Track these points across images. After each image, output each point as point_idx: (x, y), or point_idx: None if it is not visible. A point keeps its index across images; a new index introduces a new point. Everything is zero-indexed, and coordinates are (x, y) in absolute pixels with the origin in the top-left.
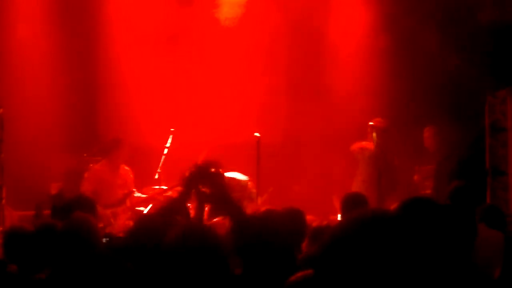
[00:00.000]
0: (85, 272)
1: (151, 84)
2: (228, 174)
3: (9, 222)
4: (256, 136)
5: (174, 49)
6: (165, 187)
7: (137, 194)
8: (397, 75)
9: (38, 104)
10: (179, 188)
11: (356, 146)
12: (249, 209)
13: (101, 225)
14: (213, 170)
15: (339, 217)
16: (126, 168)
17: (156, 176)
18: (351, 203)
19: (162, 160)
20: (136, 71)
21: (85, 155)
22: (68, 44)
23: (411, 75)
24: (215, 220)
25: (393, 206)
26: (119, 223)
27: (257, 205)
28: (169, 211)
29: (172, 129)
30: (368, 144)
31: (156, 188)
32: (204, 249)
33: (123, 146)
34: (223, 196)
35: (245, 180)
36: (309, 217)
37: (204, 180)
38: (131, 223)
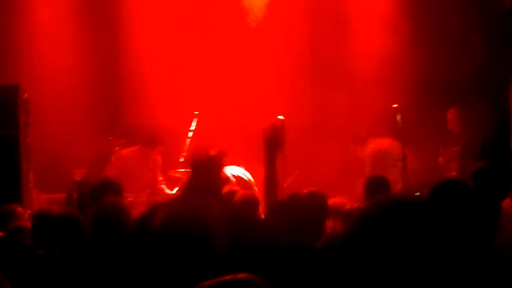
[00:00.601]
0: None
1: (174, 66)
2: (235, 172)
3: (37, 205)
4: (279, 119)
5: (200, 31)
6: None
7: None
8: (421, 58)
9: (62, 88)
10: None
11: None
12: None
13: None
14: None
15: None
16: (158, 158)
17: (182, 160)
18: (374, 186)
19: (187, 143)
20: (161, 54)
21: (110, 138)
22: (91, 27)
23: (435, 58)
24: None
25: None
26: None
27: None
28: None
29: (196, 112)
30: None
31: (182, 171)
32: (190, 234)
33: (160, 145)
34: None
35: (251, 181)
36: (340, 200)
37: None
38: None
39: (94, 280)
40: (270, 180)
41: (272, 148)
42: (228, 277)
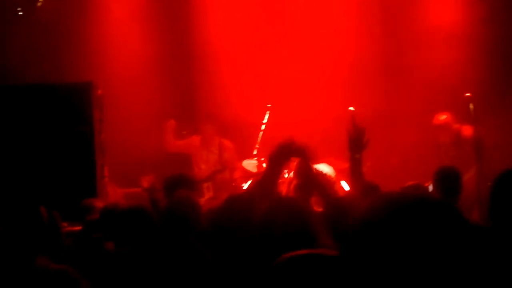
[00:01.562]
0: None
1: (247, 59)
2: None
3: (114, 200)
4: (350, 110)
5: (274, 23)
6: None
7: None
8: (494, 46)
9: (135, 84)
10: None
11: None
12: None
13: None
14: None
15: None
16: (227, 143)
17: (255, 152)
18: (442, 176)
19: (260, 136)
20: (234, 47)
21: (184, 132)
22: (164, 23)
23: (504, 50)
24: None
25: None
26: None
27: None
28: (258, 189)
29: (268, 105)
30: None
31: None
32: (294, 222)
33: (210, 120)
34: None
35: (332, 177)
36: None
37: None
38: (214, 202)
39: (159, 275)
40: (357, 181)
41: (356, 150)
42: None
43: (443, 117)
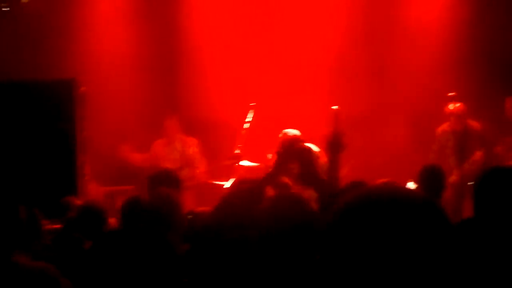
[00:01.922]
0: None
1: (231, 59)
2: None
3: (94, 198)
4: (334, 109)
5: (255, 25)
6: (247, 162)
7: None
8: (477, 47)
9: (118, 82)
10: (270, 164)
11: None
12: None
13: None
14: (302, 146)
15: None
16: (190, 139)
17: (238, 151)
18: (427, 174)
19: (243, 135)
20: (217, 47)
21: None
22: (148, 21)
23: (490, 47)
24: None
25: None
26: None
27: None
28: (260, 186)
29: (252, 104)
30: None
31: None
32: (298, 219)
33: (173, 117)
34: (311, 171)
35: (317, 152)
36: None
37: (293, 156)
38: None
39: (137, 274)
40: (333, 180)
41: (335, 152)
42: None
43: (457, 105)
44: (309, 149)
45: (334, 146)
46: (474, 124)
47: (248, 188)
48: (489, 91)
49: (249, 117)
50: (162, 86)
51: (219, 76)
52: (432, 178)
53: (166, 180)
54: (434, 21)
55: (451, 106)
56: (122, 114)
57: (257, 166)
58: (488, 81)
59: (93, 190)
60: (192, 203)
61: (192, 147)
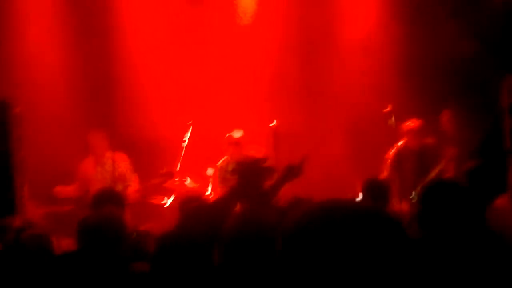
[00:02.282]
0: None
1: (167, 77)
2: None
3: (33, 219)
4: (272, 125)
5: (190, 42)
6: (188, 180)
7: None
8: (411, 59)
9: (53, 102)
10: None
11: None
12: None
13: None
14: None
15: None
16: (120, 156)
17: (177, 169)
18: (371, 189)
19: (182, 153)
20: (154, 65)
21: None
22: (81, 40)
23: (425, 59)
24: None
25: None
26: None
27: None
28: (226, 204)
29: (189, 122)
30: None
31: (177, 182)
32: (263, 234)
33: (100, 135)
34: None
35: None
36: None
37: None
38: None
39: None
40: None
41: (288, 179)
42: None
43: (414, 123)
44: (270, 169)
45: (290, 174)
46: (432, 141)
47: (211, 205)
48: (424, 105)
49: (187, 135)
50: (99, 103)
51: (156, 94)
52: (376, 190)
53: (110, 199)
54: (369, 37)
55: (410, 123)
56: (58, 133)
57: (195, 184)
58: (423, 95)
59: (31, 211)
60: (129, 222)
61: (123, 163)
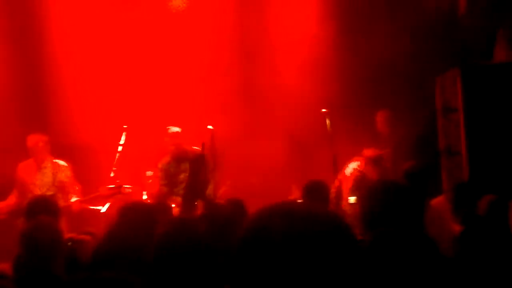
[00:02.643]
0: None
1: (101, 81)
2: None
3: None
4: (209, 129)
5: (125, 44)
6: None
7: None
8: (346, 61)
9: None
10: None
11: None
12: None
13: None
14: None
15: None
16: (61, 163)
17: (112, 174)
18: (311, 190)
19: (116, 158)
20: (84, 70)
21: None
22: (13, 42)
23: (360, 61)
24: None
25: None
26: None
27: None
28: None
29: (125, 126)
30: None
31: (112, 187)
32: (195, 241)
33: (41, 140)
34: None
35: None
36: None
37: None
38: None
39: None
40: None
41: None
42: None
43: (373, 151)
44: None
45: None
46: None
47: (143, 211)
48: (359, 106)
49: (122, 139)
50: (31, 114)
51: (91, 98)
52: (316, 192)
53: (45, 208)
54: (305, 39)
55: (368, 152)
56: None
57: (131, 188)
58: (358, 96)
59: None
60: (66, 229)
61: (65, 171)
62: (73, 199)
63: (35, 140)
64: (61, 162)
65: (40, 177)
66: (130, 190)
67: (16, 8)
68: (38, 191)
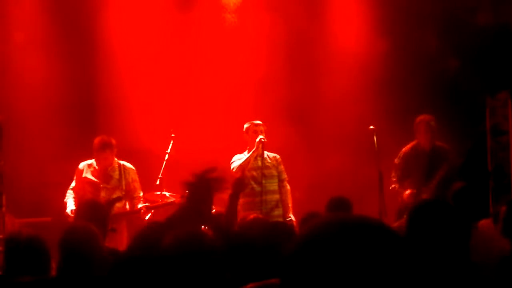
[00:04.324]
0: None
1: (151, 89)
2: None
3: (11, 230)
4: (261, 139)
5: (175, 55)
6: (167, 193)
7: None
8: (395, 79)
9: (37, 111)
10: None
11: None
12: None
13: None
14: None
15: None
16: (127, 166)
17: (158, 182)
18: (335, 205)
19: (163, 165)
20: (136, 77)
21: None
22: (66, 48)
23: (409, 79)
24: None
25: None
26: None
27: None
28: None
29: (172, 135)
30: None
31: (158, 194)
32: (201, 253)
33: (100, 142)
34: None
35: None
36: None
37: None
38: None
39: None
40: (232, 216)
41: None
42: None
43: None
44: (222, 178)
45: (238, 188)
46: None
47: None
48: (407, 123)
49: (169, 147)
50: (82, 118)
51: (140, 107)
52: (340, 207)
53: (94, 214)
54: (354, 53)
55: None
56: (41, 144)
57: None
58: (406, 113)
59: (9, 222)
60: (127, 235)
61: (132, 174)
62: (140, 205)
63: (103, 141)
64: (128, 165)
65: (108, 180)
66: (173, 199)
67: (72, 9)
68: (103, 194)
